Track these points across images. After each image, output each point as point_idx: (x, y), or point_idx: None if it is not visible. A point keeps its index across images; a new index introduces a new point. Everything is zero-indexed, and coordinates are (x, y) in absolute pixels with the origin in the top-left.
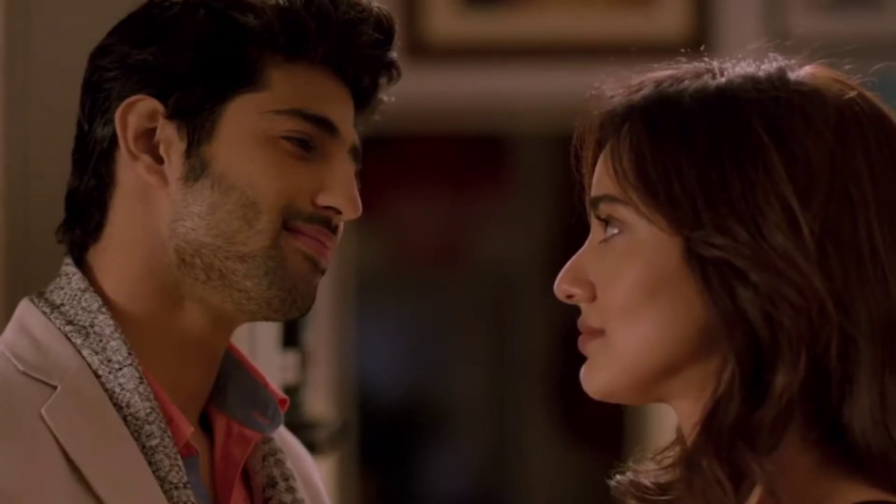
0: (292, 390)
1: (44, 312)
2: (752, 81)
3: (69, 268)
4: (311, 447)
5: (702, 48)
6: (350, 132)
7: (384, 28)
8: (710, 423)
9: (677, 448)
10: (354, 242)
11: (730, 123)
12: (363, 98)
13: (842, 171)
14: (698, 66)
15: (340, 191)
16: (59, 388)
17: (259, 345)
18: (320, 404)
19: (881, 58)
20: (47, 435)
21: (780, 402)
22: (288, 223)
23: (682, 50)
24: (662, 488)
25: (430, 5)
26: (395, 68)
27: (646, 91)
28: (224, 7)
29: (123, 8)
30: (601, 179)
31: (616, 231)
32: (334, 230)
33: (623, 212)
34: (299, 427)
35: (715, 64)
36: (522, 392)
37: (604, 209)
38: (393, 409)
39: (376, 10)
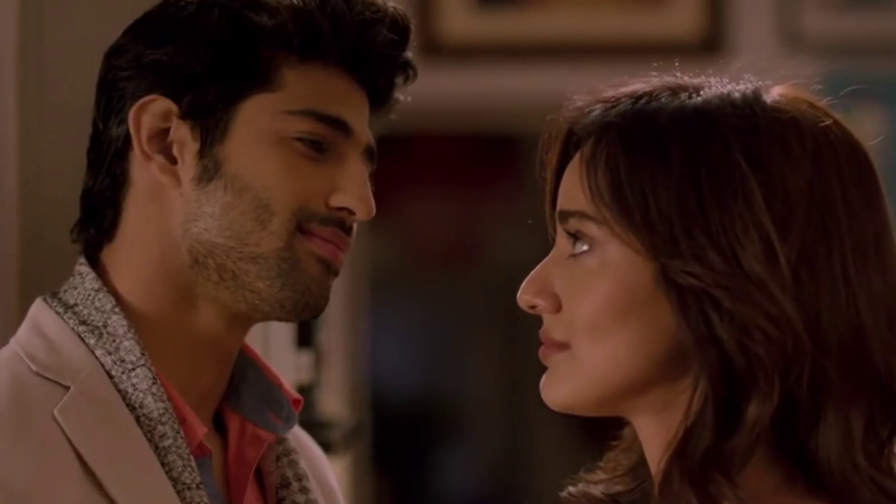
0: (306, 390)
1: (57, 312)
2: (730, 105)
3: (83, 267)
4: (325, 447)
5: (714, 50)
6: (364, 132)
7: (399, 28)
8: (683, 450)
9: (630, 456)
10: (368, 242)
11: (708, 148)
12: (378, 98)
13: (818, 201)
14: (669, 80)
15: (353, 191)
16: (71, 388)
17: (273, 344)
18: (334, 404)
19: (894, 57)
20: (60, 435)
21: (752, 432)
22: (302, 225)
23: (696, 50)
24: (614, 499)
25: (444, 5)
26: (410, 68)
27: (622, 107)
28: (239, 7)
29: (138, 7)
30: (573, 193)
31: (585, 248)
32: (348, 231)
33: (594, 230)
34: (313, 426)
35: (686, 79)
36: (535, 391)
37: (574, 224)
38: (406, 409)
39: (391, 10)
